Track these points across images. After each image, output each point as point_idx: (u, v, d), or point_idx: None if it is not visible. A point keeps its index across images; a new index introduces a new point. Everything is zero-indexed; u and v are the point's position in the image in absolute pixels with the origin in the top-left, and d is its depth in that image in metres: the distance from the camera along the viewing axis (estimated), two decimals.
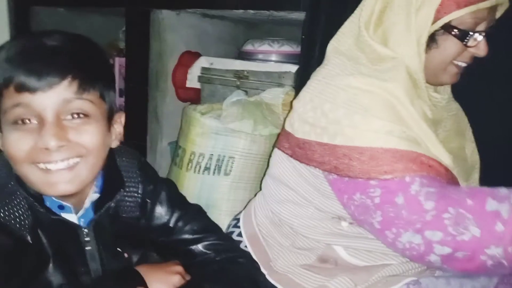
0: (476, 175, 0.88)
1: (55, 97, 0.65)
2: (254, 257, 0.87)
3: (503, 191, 0.70)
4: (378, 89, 0.73)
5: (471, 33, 0.75)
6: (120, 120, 0.77)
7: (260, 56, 1.58)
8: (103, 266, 0.76)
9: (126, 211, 0.80)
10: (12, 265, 0.68)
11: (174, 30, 1.67)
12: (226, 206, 1.39)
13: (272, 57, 1.57)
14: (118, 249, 0.79)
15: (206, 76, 1.58)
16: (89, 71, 0.68)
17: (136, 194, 0.81)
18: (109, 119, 0.73)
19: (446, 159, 0.74)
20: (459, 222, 0.69)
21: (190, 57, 1.66)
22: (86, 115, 0.68)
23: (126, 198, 0.80)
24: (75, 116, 0.68)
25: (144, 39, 1.64)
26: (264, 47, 1.58)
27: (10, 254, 0.68)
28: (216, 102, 1.53)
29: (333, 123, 0.74)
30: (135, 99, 1.68)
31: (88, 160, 0.69)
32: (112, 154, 0.78)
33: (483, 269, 0.70)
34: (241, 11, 1.50)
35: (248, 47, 1.59)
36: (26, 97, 0.65)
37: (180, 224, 0.84)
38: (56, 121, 0.66)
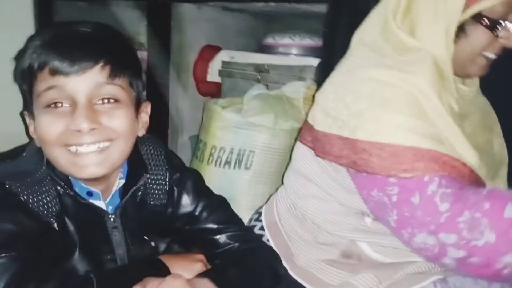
0: (504, 172, 0.86)
1: (87, 81, 0.68)
2: (276, 251, 0.87)
3: None
4: (402, 82, 0.71)
5: (502, 22, 0.73)
6: (146, 110, 0.79)
7: (281, 50, 1.57)
8: (129, 253, 0.78)
9: (153, 199, 0.81)
10: (39, 251, 0.69)
11: (195, 23, 1.68)
12: (246, 200, 1.39)
13: (293, 50, 1.56)
14: (145, 237, 0.81)
15: (227, 70, 1.58)
16: (120, 58, 0.71)
17: (163, 182, 0.82)
18: (137, 107, 0.75)
19: (471, 157, 0.72)
20: (474, 226, 0.67)
21: (210, 50, 1.66)
22: (116, 100, 0.70)
23: (154, 185, 0.82)
24: (106, 101, 0.70)
25: (165, 33, 1.65)
26: (285, 40, 1.57)
27: (37, 240, 0.69)
28: (236, 96, 1.53)
29: (355, 116, 0.72)
30: (156, 93, 1.69)
31: (118, 144, 0.71)
32: (136, 143, 0.79)
33: (499, 277, 0.68)
34: (262, 3, 1.49)
35: (269, 40, 1.58)
36: (60, 80, 0.67)
37: (205, 213, 0.86)
38: (88, 104, 0.68)
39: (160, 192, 0.82)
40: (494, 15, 0.73)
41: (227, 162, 1.38)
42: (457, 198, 0.68)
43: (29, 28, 1.51)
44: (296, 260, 0.85)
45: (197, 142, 1.48)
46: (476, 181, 0.72)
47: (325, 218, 0.82)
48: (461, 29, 0.74)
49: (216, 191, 1.41)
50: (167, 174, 0.83)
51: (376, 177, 0.71)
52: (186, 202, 0.85)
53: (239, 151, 1.37)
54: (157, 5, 1.65)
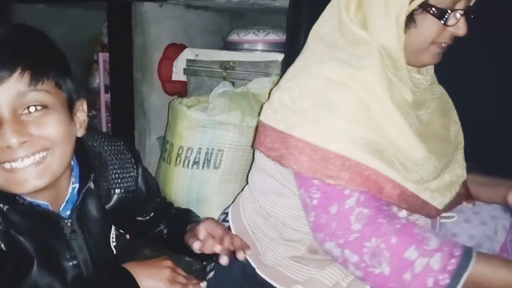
0: (460, 155, 0.87)
1: (7, 91, 0.62)
2: None
3: (433, 244, 0.70)
4: (351, 80, 0.71)
5: (449, 11, 0.73)
6: (82, 108, 0.74)
7: (246, 46, 1.56)
8: (92, 257, 0.75)
9: (122, 187, 0.81)
10: None
11: (158, 22, 1.65)
12: (217, 200, 1.37)
13: (258, 46, 1.55)
14: (118, 232, 0.80)
15: (192, 68, 1.56)
16: (39, 61, 0.66)
17: (131, 168, 0.82)
18: (70, 108, 0.71)
19: (418, 151, 0.73)
20: (376, 255, 0.70)
21: (175, 49, 1.63)
22: (44, 106, 0.65)
23: (121, 174, 0.81)
24: (32, 109, 0.65)
25: (126, 33, 1.61)
26: (250, 36, 1.55)
27: None
28: (203, 94, 1.51)
29: (297, 113, 0.72)
30: (121, 95, 1.66)
31: (55, 152, 0.67)
32: (81, 142, 0.76)
33: None
34: (224, 0, 1.47)
35: (234, 37, 1.56)
36: None
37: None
38: (13, 117, 0.63)
39: (128, 179, 0.82)
40: (442, 4, 0.73)
41: (195, 162, 1.36)
42: (370, 222, 0.71)
43: None
44: (263, 258, 0.83)
45: (163, 143, 1.45)
46: (403, 195, 0.73)
47: (287, 213, 0.81)
48: (411, 19, 0.75)
49: (186, 192, 1.40)
50: (132, 160, 0.83)
51: (304, 177, 0.73)
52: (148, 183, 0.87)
53: (207, 150, 1.35)
54: (118, 5, 1.61)
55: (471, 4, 0.77)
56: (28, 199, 0.70)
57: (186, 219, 0.90)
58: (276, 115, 0.74)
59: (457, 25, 0.75)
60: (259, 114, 0.81)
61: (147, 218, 0.92)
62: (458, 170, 0.84)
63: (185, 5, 1.68)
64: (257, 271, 0.82)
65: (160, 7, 1.64)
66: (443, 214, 0.84)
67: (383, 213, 0.71)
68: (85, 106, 0.75)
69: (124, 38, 1.62)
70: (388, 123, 0.72)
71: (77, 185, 0.75)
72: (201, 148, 1.35)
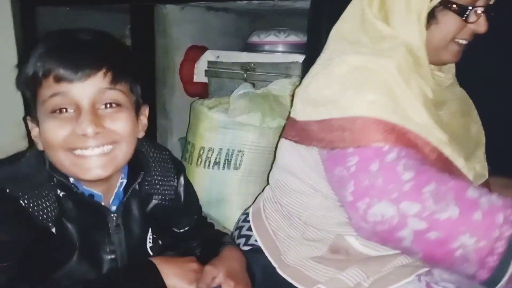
0: (481, 152, 0.87)
1: (91, 87, 0.71)
2: (264, 250, 0.87)
3: (482, 189, 0.68)
4: (374, 64, 0.72)
5: (470, 8, 0.74)
6: (145, 113, 0.82)
7: (267, 47, 1.56)
8: (129, 252, 0.79)
9: (161, 194, 0.85)
10: (34, 257, 0.70)
11: (179, 24, 1.67)
12: (237, 200, 1.38)
13: (279, 47, 1.55)
14: (153, 236, 0.84)
15: (213, 70, 1.57)
16: (121, 64, 0.74)
17: (171, 177, 0.87)
18: (137, 110, 0.78)
19: (437, 139, 0.73)
20: (440, 198, 0.66)
21: (196, 51, 1.65)
22: (118, 105, 0.73)
23: (161, 181, 0.86)
24: (108, 105, 0.72)
25: (149, 35, 1.64)
26: (270, 38, 1.56)
27: (33, 247, 0.70)
28: (223, 95, 1.52)
29: (329, 99, 0.74)
30: (143, 96, 1.68)
31: (121, 146, 0.74)
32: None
33: (449, 259, 0.66)
34: (245, 2, 1.48)
35: (254, 38, 1.57)
36: (64, 87, 0.70)
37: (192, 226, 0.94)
38: (92, 109, 0.71)
39: (168, 187, 0.86)
40: (462, 1, 0.74)
41: (216, 163, 1.37)
42: (421, 170, 0.68)
43: (9, 35, 1.51)
44: (285, 258, 0.84)
45: (185, 144, 1.47)
46: (440, 162, 0.72)
47: (310, 213, 0.82)
48: (432, 16, 0.76)
49: (206, 192, 1.42)
50: (174, 170, 0.87)
51: (337, 154, 0.72)
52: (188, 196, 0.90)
53: (228, 151, 1.36)
54: (140, 7, 1.64)
55: (491, 2, 0.77)
56: (84, 187, 0.76)
57: (220, 244, 0.89)
58: (316, 108, 0.75)
59: (478, 22, 0.76)
60: (288, 116, 0.82)
61: (181, 231, 0.94)
62: (478, 170, 0.83)
63: (205, 8, 1.69)
64: (278, 271, 0.83)
65: (182, 10, 1.66)
66: None
67: (430, 167, 0.69)
68: (147, 112, 0.83)
69: (147, 40, 1.64)
70: (410, 109, 0.72)
71: (125, 181, 0.81)
72: (221, 148, 1.37)
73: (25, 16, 1.69)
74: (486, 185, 0.86)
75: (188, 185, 0.92)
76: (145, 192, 0.83)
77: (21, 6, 1.66)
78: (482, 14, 0.76)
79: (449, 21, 0.76)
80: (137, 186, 0.81)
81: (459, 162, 0.74)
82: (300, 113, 0.79)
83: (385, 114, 0.69)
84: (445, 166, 0.72)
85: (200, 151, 1.39)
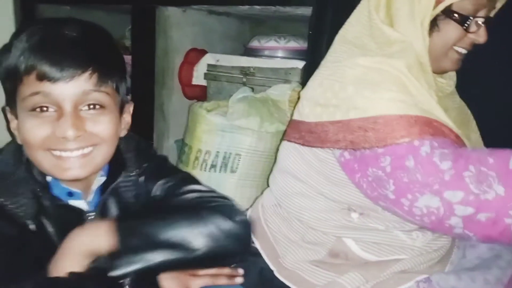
0: None
1: (75, 88, 0.67)
2: (262, 253, 0.87)
3: None
4: (387, 66, 0.73)
5: (471, 18, 0.76)
6: (129, 110, 0.79)
7: (267, 53, 1.57)
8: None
9: (126, 191, 0.80)
10: (15, 253, 0.68)
11: (180, 27, 1.67)
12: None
13: (279, 53, 1.56)
14: None
15: (212, 73, 1.58)
16: (107, 64, 0.70)
17: (133, 173, 0.81)
18: (121, 109, 0.76)
19: (453, 128, 0.74)
20: (482, 180, 0.66)
21: (196, 54, 1.65)
22: (102, 106, 0.70)
23: (127, 178, 0.80)
24: (91, 107, 0.70)
25: (150, 37, 1.64)
26: (271, 43, 1.57)
27: (13, 242, 0.68)
28: (222, 99, 1.52)
29: (345, 100, 0.74)
30: (141, 97, 1.68)
31: (102, 148, 0.72)
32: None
33: (506, 235, 0.66)
34: (246, 7, 1.49)
35: (254, 43, 1.58)
36: (46, 86, 0.66)
37: (170, 194, 0.81)
38: (74, 111, 0.68)
39: (131, 183, 0.81)
40: (464, 11, 0.76)
41: (213, 166, 1.37)
42: (458, 156, 0.67)
43: (10, 33, 1.50)
44: (283, 261, 0.84)
45: (182, 146, 1.47)
46: (463, 146, 0.74)
47: (311, 215, 0.82)
48: (434, 24, 0.78)
49: None
50: (136, 165, 0.81)
51: (369, 154, 0.71)
52: (154, 190, 0.82)
53: (225, 154, 1.36)
54: (142, 9, 1.64)
55: (491, 15, 0.79)
56: (64, 185, 0.74)
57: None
58: (327, 109, 0.75)
59: (478, 32, 0.78)
60: (290, 119, 0.81)
61: None
62: None
63: (207, 11, 1.70)
64: (276, 274, 0.83)
65: (183, 13, 1.66)
66: None
67: (461, 148, 0.69)
68: (131, 109, 0.80)
69: (147, 42, 1.64)
70: (425, 103, 0.72)
71: (103, 178, 0.78)
72: (219, 151, 1.37)
73: (26, 14, 1.68)
74: None
75: (155, 173, 0.82)
76: (123, 190, 0.80)
77: (22, 4, 1.66)
78: (482, 24, 0.78)
79: (450, 30, 0.78)
80: (116, 184, 0.78)
81: None
82: (310, 114, 0.79)
83: (405, 109, 0.70)
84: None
85: (197, 153, 1.39)
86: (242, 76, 1.52)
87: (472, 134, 0.90)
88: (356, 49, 0.78)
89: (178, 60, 1.67)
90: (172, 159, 1.64)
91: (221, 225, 0.72)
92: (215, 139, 1.36)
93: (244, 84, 1.52)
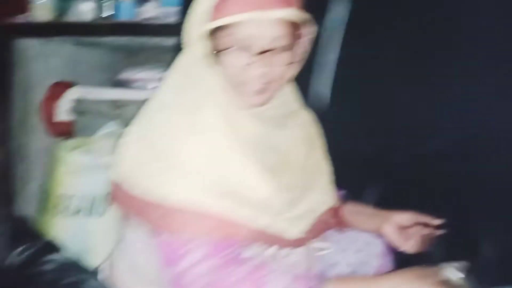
0: (322, 180, 0.85)
1: None
2: None
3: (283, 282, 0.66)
4: (191, 125, 0.69)
5: (229, 51, 0.69)
6: None
7: (139, 84, 1.49)
8: None
9: None
10: None
11: (42, 59, 1.53)
12: (105, 250, 1.25)
13: (152, 84, 1.49)
14: None
15: (79, 107, 1.45)
16: None
17: None
18: None
19: (267, 187, 0.71)
20: None
21: (61, 87, 1.52)
22: None
23: None
24: None
25: (6, 70, 1.47)
26: (143, 74, 1.49)
27: None
28: (92, 135, 1.40)
29: (137, 169, 0.70)
30: None
31: None
32: None
33: None
34: (112, 38, 1.41)
35: (125, 75, 1.49)
36: None
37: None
38: None
39: None
40: (221, 46, 0.70)
41: (77, 211, 1.23)
42: (219, 272, 0.65)
43: None
44: None
45: (42, 191, 1.31)
46: (256, 238, 0.70)
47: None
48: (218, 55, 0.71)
49: (69, 244, 1.26)
50: None
51: (156, 236, 0.69)
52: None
53: (91, 197, 1.23)
54: None
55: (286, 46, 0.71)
56: None
57: None
58: (124, 173, 0.71)
59: (252, 66, 0.69)
60: None
61: None
62: (317, 197, 0.82)
63: (73, 42, 1.58)
64: None
65: (46, 44, 1.53)
66: (318, 246, 0.82)
67: (233, 260, 0.66)
68: None
69: (3, 76, 1.47)
70: (233, 162, 0.69)
71: None
72: (84, 194, 1.24)
73: None
74: (334, 212, 0.86)
75: None
76: None
77: None
78: (255, 57, 0.69)
79: (229, 62, 0.71)
80: None
81: (277, 228, 0.71)
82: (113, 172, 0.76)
83: (189, 198, 0.67)
84: (262, 237, 0.70)
85: (58, 198, 1.24)
86: (112, 109, 1.41)
87: (315, 151, 0.85)
88: (176, 90, 0.74)
89: (41, 95, 1.52)
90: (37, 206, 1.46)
91: None
92: (78, 181, 1.23)
93: (116, 117, 1.41)
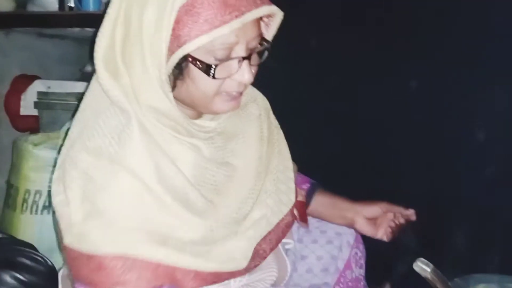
0: (282, 177, 0.81)
1: None
2: None
3: None
4: (120, 172, 0.63)
5: (213, 66, 0.63)
6: None
7: None
8: None
9: None
10: None
11: (4, 51, 1.48)
12: None
13: None
14: None
15: (44, 101, 1.41)
16: None
17: None
18: None
19: (200, 228, 0.67)
20: None
21: (25, 81, 1.48)
22: None
23: None
24: None
25: None
26: None
27: None
28: (58, 129, 1.37)
29: (69, 220, 0.64)
30: None
31: None
32: None
33: None
34: (77, 29, 1.37)
35: (89, 68, 1.46)
36: None
37: None
38: None
39: None
40: (206, 59, 0.63)
41: (45, 207, 1.20)
42: None
43: None
44: None
45: (7, 187, 1.28)
46: (203, 280, 0.66)
47: None
48: (179, 72, 0.64)
49: (36, 242, 1.23)
50: None
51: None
52: None
53: None
54: None
55: (264, 43, 0.68)
56: None
57: None
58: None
59: (240, 73, 0.65)
60: None
61: None
62: (275, 199, 0.79)
63: (37, 34, 1.53)
64: None
65: (7, 36, 1.48)
66: (285, 241, 0.82)
67: None
68: None
69: None
70: (162, 211, 0.64)
71: None
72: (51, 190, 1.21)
73: None
74: (301, 205, 0.86)
75: None
76: None
77: None
78: (243, 63, 0.65)
79: (198, 78, 0.64)
80: None
81: (222, 266, 0.68)
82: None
83: (124, 248, 0.63)
84: (209, 278, 0.67)
85: (25, 195, 1.21)
86: (78, 103, 1.38)
87: (274, 148, 0.81)
88: (89, 128, 0.70)
89: (4, 88, 1.47)
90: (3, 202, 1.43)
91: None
92: (45, 177, 1.20)
93: None
